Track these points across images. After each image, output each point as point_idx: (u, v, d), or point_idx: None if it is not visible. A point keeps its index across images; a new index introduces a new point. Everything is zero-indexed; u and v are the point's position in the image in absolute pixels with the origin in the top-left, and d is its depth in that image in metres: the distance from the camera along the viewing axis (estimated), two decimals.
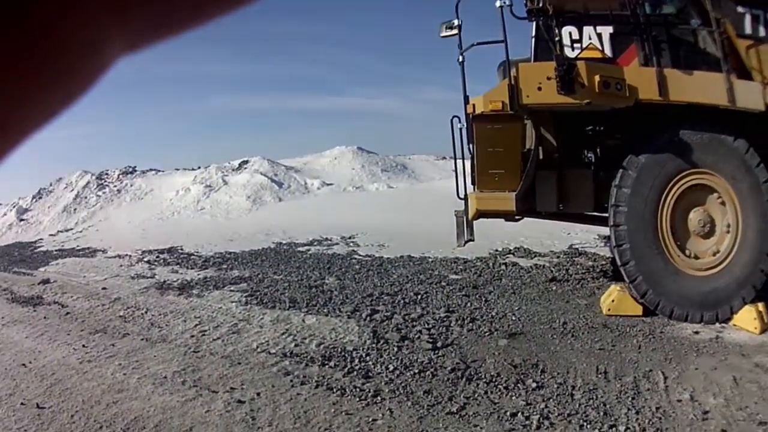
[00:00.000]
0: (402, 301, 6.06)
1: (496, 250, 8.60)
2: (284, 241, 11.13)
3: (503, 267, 7.51)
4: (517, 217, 6.03)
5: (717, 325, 4.85)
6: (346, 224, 12.00)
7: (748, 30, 5.11)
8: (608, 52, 5.19)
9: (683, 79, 4.93)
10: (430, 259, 8.38)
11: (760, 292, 4.86)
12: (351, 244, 10.38)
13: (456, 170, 6.24)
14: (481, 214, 5.82)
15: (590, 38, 5.19)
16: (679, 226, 5.13)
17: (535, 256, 8.28)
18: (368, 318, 5.44)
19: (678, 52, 5.11)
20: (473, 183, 5.98)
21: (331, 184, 18.48)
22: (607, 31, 5.19)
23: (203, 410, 3.63)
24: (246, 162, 19.96)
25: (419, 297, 6.21)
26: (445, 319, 5.35)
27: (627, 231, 5.07)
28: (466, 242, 6.37)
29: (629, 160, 5.08)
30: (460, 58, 5.75)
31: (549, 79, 4.88)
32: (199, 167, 20.82)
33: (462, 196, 6.12)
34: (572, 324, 5.04)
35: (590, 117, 5.64)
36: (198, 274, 8.41)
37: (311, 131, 55.94)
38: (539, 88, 4.94)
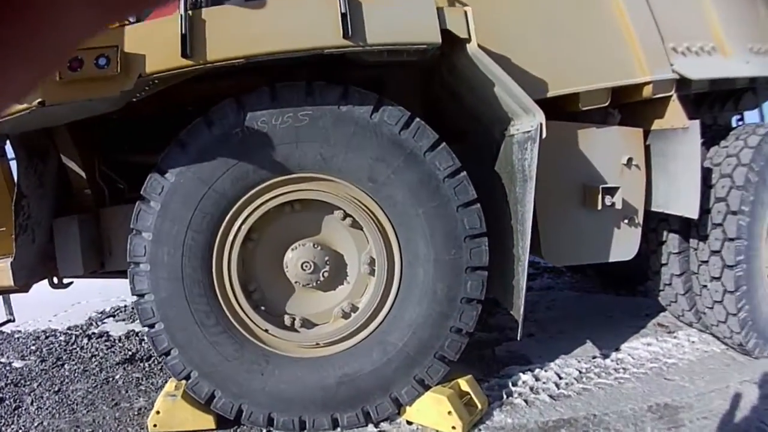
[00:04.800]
0: None
1: (99, 312, 6.14)
2: None
3: (85, 341, 5.06)
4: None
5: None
6: None
7: None
8: None
9: (244, 17, 2.73)
10: None
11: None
12: None
13: None
14: None
15: None
16: (264, 277, 3.20)
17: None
18: None
19: None
20: None
21: None
22: None
23: None
24: None
25: None
26: None
27: (158, 302, 2.98)
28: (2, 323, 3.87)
29: (149, 185, 2.95)
30: None
31: None
32: None
33: None
34: None
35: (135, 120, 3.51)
36: None
37: None
38: None
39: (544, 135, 2.69)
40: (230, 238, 3.02)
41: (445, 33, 2.77)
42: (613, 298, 5.19)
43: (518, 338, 3.17)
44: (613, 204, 3.22)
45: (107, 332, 5.32)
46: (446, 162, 2.94)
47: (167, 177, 2.94)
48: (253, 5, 2.71)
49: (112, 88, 2.61)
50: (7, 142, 3.23)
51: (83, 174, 3.51)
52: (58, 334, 5.36)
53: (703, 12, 4.14)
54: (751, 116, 5.50)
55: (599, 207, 3.22)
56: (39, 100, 2.54)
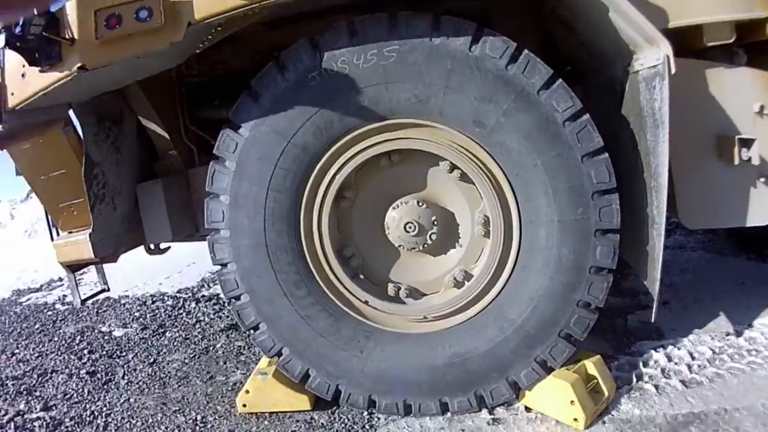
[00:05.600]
0: None
1: (213, 273, 6.02)
2: None
3: (192, 305, 5.00)
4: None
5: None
6: None
7: None
8: None
9: None
10: None
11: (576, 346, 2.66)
12: None
13: None
14: (69, 267, 3.34)
15: None
16: (363, 241, 2.84)
17: None
18: None
19: None
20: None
21: None
22: None
23: None
24: None
25: None
26: None
27: (241, 272, 2.71)
28: (91, 297, 3.83)
29: (221, 142, 2.65)
30: None
31: None
32: None
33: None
34: None
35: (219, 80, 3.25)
36: None
37: None
38: None
39: (673, 70, 2.26)
40: (319, 197, 2.67)
41: None
42: (744, 263, 4.83)
43: (652, 319, 2.68)
44: (750, 159, 2.72)
45: (217, 294, 5.23)
46: (565, 102, 2.40)
47: (240, 132, 2.63)
48: None
49: (160, 41, 2.29)
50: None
51: (167, 135, 3.29)
52: (166, 299, 5.38)
53: None
54: None
55: (736, 161, 2.71)
56: (79, 64, 2.29)
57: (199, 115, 3.36)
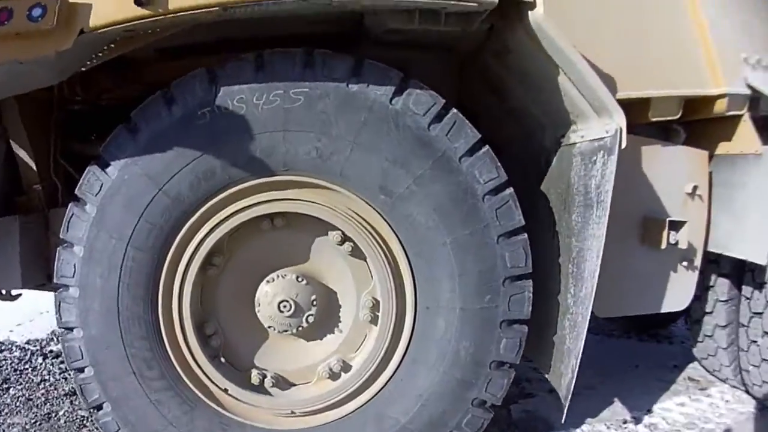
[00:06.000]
0: None
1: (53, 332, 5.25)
2: None
3: (39, 361, 4.30)
4: None
5: None
6: None
7: None
8: None
9: None
10: None
11: None
12: None
13: None
14: None
15: None
16: (228, 318, 2.41)
17: None
18: None
19: None
20: None
21: None
22: None
23: None
24: None
25: None
26: None
27: (87, 340, 2.20)
28: None
29: (85, 181, 2.19)
30: None
31: None
32: None
33: None
34: None
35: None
36: None
37: None
38: None
39: (623, 145, 2.06)
40: (185, 260, 2.23)
41: None
42: (636, 344, 4.79)
43: (562, 420, 2.42)
44: (677, 242, 2.63)
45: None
46: (489, 173, 2.15)
47: (108, 172, 2.16)
48: None
49: (46, 46, 1.85)
50: None
51: (34, 166, 2.76)
52: (14, 349, 4.62)
53: None
54: None
55: (663, 245, 2.61)
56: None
57: (72, 147, 2.85)
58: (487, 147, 2.16)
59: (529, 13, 2.07)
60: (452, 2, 1.97)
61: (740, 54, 2.86)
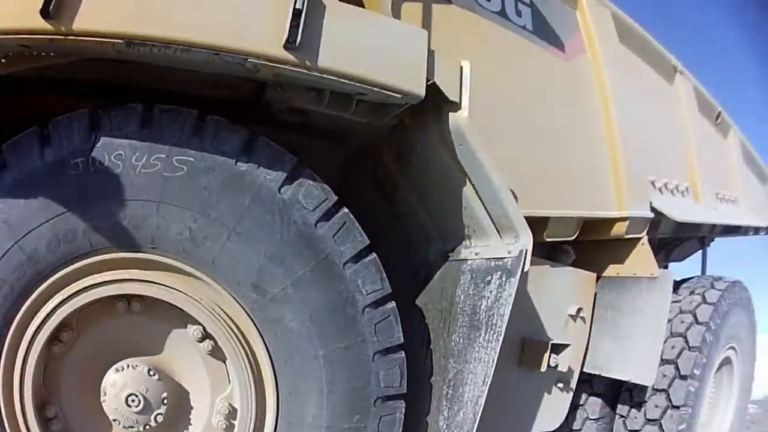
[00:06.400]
0: None
1: None
2: None
3: None
4: None
5: None
6: None
7: None
8: None
9: None
10: None
11: None
12: None
13: None
14: None
15: None
16: (70, 402, 2.04)
17: None
18: None
19: None
20: None
21: None
22: None
23: None
24: None
25: None
26: None
27: None
28: None
29: None
30: None
31: None
32: None
33: None
34: None
35: None
36: None
37: None
38: None
39: (527, 267, 1.97)
40: (32, 329, 1.89)
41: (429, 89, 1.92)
42: None
43: None
44: (557, 365, 2.58)
45: None
46: (373, 283, 1.98)
47: None
48: None
49: None
50: None
51: None
52: None
53: (682, 146, 3.72)
54: None
55: (544, 368, 2.54)
56: None
57: None
58: (374, 255, 2.00)
59: (451, 114, 1.98)
60: (374, 89, 1.83)
61: (648, 177, 2.97)
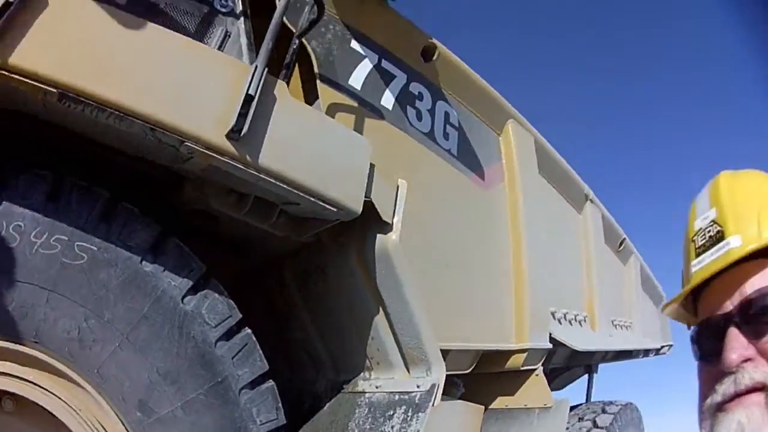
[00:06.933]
0: None
1: None
2: None
3: None
4: None
5: None
6: None
7: None
8: None
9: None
10: None
11: None
12: None
13: None
14: None
15: None
16: None
17: None
18: None
19: None
20: None
21: None
22: None
23: None
24: None
25: None
26: None
27: None
28: None
29: None
30: None
31: None
32: None
33: None
34: None
35: None
36: None
37: None
38: None
39: (437, 402, 1.92)
40: None
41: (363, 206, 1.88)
42: None
43: None
44: None
45: None
46: (268, 413, 1.90)
47: None
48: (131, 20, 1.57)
49: None
50: None
51: None
52: None
53: (584, 276, 3.91)
54: None
55: None
56: None
57: None
58: (271, 383, 1.93)
59: (379, 236, 1.94)
60: (313, 199, 1.73)
61: (549, 308, 2.94)
